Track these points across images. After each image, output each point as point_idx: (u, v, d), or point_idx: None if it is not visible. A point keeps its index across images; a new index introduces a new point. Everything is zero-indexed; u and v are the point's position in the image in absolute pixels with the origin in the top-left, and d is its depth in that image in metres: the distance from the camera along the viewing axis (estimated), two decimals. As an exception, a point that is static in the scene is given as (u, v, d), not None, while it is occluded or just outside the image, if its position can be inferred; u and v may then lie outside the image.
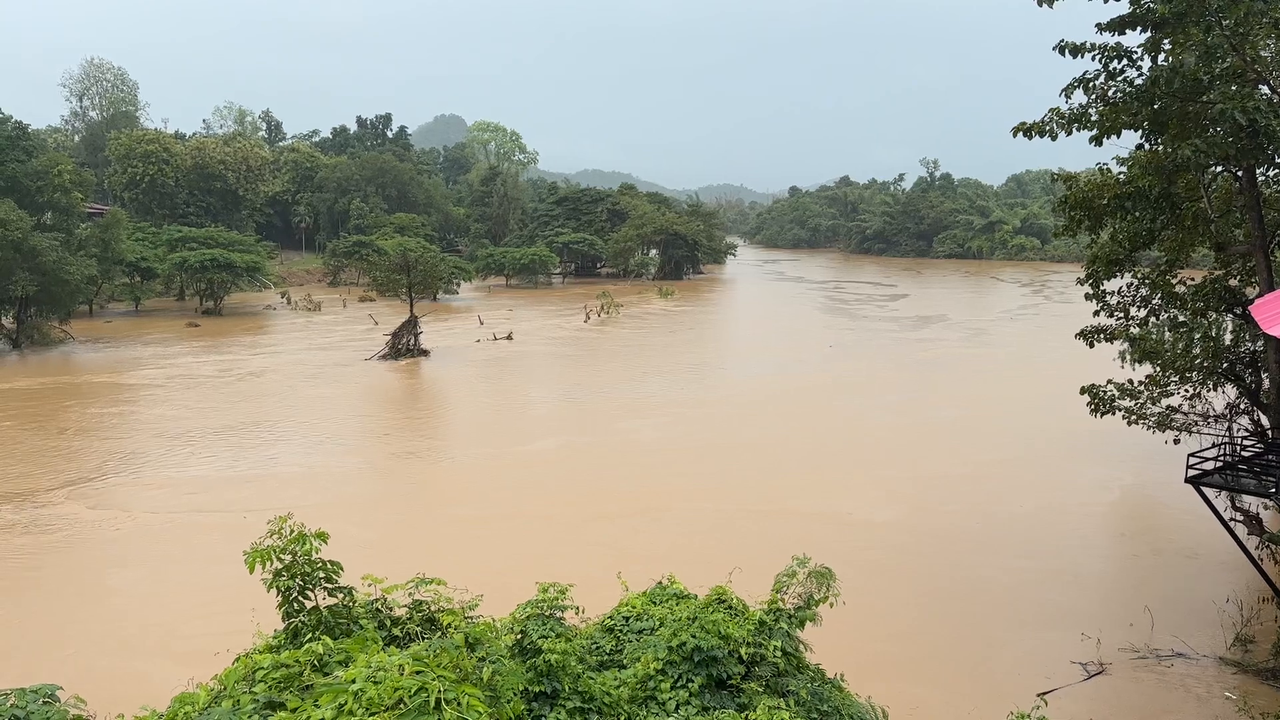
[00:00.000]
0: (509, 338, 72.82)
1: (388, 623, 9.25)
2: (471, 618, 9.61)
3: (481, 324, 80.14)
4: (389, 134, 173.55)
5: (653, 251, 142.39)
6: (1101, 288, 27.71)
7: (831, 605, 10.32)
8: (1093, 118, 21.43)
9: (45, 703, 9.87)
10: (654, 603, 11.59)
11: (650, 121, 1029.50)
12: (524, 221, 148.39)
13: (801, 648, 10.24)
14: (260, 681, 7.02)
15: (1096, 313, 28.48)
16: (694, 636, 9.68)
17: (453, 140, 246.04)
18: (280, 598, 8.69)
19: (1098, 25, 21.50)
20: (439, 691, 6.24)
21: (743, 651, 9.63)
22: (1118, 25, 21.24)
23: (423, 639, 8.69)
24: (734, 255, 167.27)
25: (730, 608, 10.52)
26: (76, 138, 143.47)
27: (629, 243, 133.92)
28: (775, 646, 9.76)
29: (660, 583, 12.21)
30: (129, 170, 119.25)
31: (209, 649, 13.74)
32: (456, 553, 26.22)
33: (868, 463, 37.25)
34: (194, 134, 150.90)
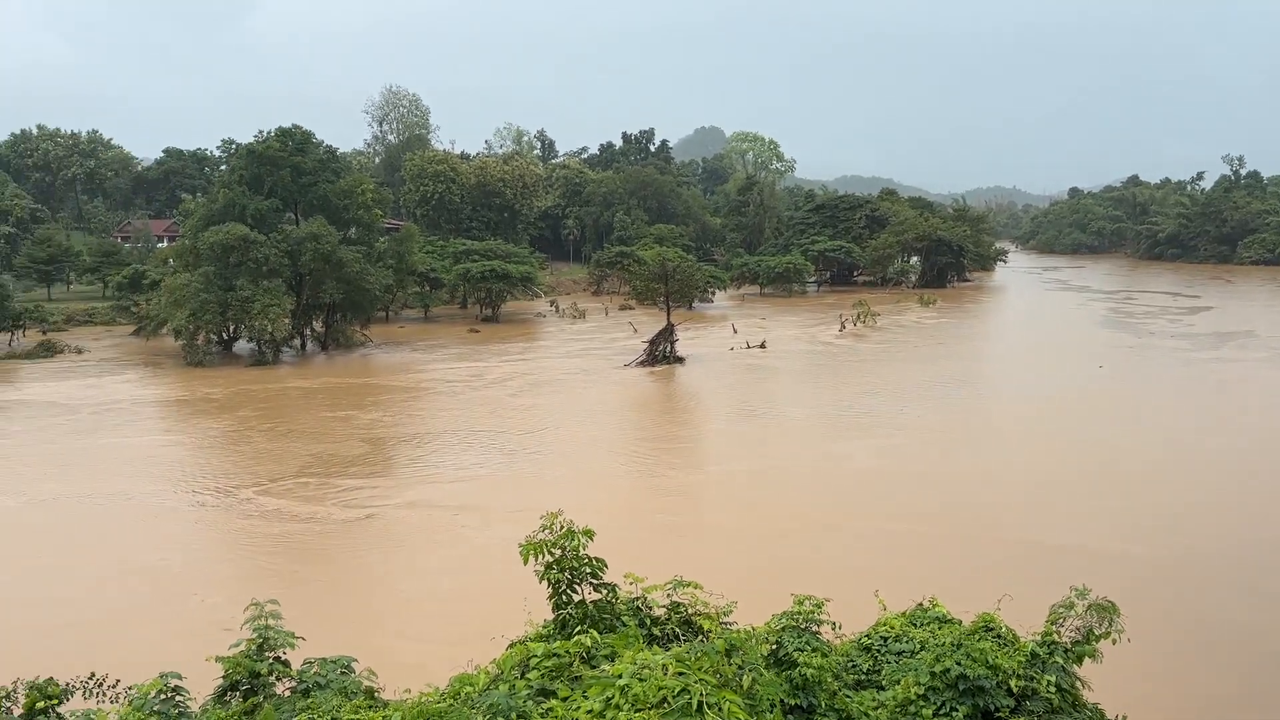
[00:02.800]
0: (762, 346, 72.91)
1: (648, 621, 9.52)
2: (726, 623, 9.70)
3: (735, 332, 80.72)
4: (651, 148, 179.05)
5: (913, 258, 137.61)
6: None
7: (1114, 642, 9.52)
8: None
9: (343, 673, 11.01)
10: (914, 625, 11.19)
11: (913, 125, 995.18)
12: (779, 230, 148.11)
13: (1078, 685, 9.53)
14: (534, 669, 7.46)
15: None
16: (959, 663, 9.25)
17: (711, 151, 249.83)
18: (550, 590, 9.16)
19: None
20: (701, 694, 6.36)
21: (1012, 684, 9.08)
22: None
23: (681, 641, 8.87)
24: (1004, 261, 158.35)
25: (999, 636, 9.96)
26: (377, 159, 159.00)
27: (888, 249, 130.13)
28: (1049, 681, 9.13)
29: (921, 604, 11.77)
30: (421, 188, 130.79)
31: (482, 633, 14.68)
32: (687, 560, 26.46)
33: (1124, 493, 33.97)
34: (477, 154, 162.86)
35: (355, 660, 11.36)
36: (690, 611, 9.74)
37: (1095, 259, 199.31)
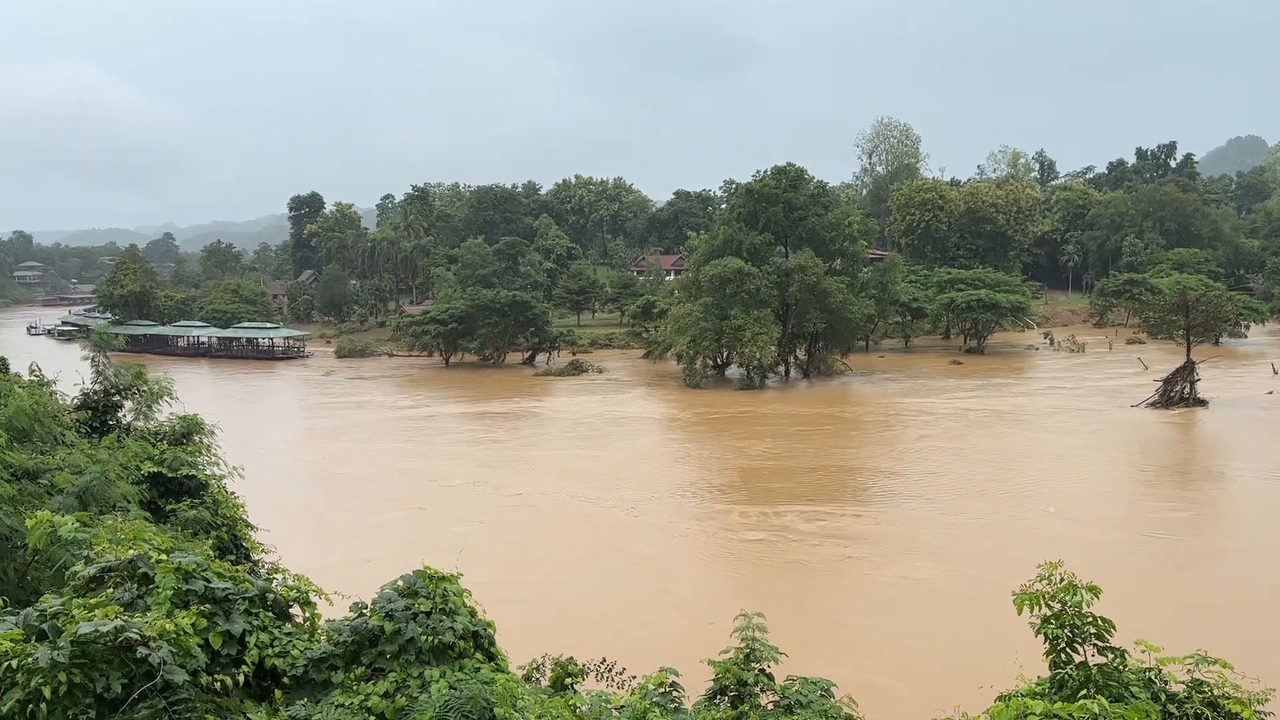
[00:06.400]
0: (1314, 391, 61.21)
1: (1162, 696, 8.48)
2: (1261, 712, 8.32)
3: (1276, 373, 68.86)
4: (1171, 164, 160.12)
5: None
6: None
7: None
8: None
9: (822, 695, 11.24)
10: None
11: None
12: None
13: None
14: (1030, 727, 7.01)
15: None
16: None
17: (1249, 165, 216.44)
18: (1048, 645, 8.57)
19: None
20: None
21: None
22: None
23: (1207, 726, 7.77)
24: None
25: None
26: (864, 191, 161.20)
27: None
28: None
29: None
30: (907, 218, 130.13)
31: (964, 679, 14.12)
32: (1164, 633, 22.80)
33: None
34: (968, 180, 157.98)
35: (834, 684, 11.55)
36: (1216, 693, 8.50)
37: None
